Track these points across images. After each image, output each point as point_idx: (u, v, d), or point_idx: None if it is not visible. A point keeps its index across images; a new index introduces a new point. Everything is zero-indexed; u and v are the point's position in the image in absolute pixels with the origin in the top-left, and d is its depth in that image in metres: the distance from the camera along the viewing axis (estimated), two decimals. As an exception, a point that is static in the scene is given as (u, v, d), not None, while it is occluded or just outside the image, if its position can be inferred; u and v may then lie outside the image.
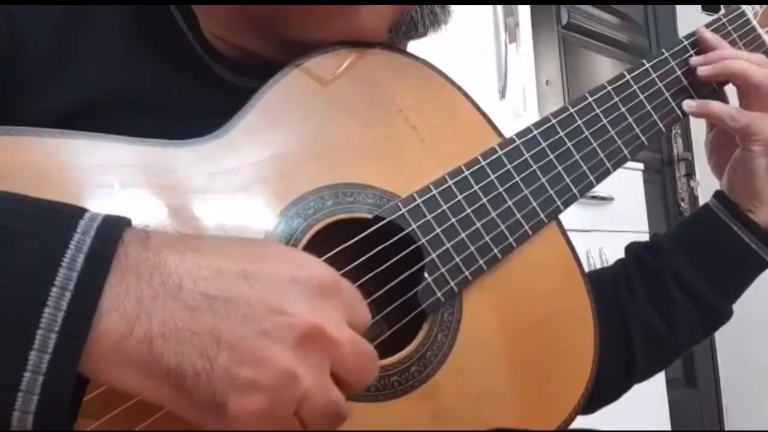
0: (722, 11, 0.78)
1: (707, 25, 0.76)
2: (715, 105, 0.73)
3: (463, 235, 0.58)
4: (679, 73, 0.73)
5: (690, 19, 2.24)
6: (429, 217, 0.57)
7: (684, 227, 0.80)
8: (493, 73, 1.83)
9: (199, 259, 0.40)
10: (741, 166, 0.74)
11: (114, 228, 0.39)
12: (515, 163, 0.62)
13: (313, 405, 0.41)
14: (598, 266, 1.83)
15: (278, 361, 0.39)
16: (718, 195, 0.77)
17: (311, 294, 0.41)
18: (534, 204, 0.62)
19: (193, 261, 0.40)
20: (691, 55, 0.74)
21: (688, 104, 0.73)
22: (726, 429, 2.41)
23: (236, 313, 0.39)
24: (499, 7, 1.88)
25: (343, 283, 0.44)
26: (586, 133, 0.66)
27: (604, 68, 2.42)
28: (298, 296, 0.41)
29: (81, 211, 0.39)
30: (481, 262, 0.59)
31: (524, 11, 1.96)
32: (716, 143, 0.79)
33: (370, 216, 0.56)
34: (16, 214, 0.38)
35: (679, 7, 2.59)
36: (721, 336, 2.32)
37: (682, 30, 2.44)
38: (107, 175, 0.48)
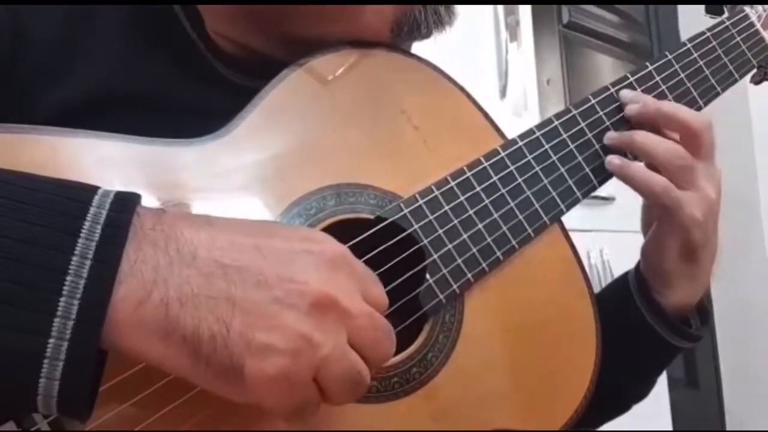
0: (725, 14, 0.78)
1: (710, 29, 0.75)
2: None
3: (465, 236, 0.58)
4: (682, 76, 0.72)
5: (692, 19, 2.24)
6: (431, 218, 0.57)
7: (603, 294, 0.74)
8: (494, 72, 1.83)
9: (213, 232, 0.42)
10: (654, 242, 0.69)
11: (127, 201, 0.40)
12: (517, 164, 0.62)
13: (332, 371, 0.41)
14: (599, 266, 1.84)
15: (294, 326, 0.40)
16: (636, 268, 0.72)
17: (324, 265, 0.42)
18: (536, 206, 0.62)
19: (208, 233, 0.41)
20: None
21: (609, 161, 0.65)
22: (727, 430, 2.41)
23: (249, 280, 0.40)
24: (500, 6, 1.87)
25: (357, 261, 0.45)
26: (589, 135, 0.66)
27: (605, 67, 2.42)
28: (310, 266, 0.42)
29: (94, 187, 0.41)
30: (483, 264, 0.58)
31: (525, 10, 1.96)
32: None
33: (372, 216, 0.56)
34: (31, 189, 0.39)
35: (680, 7, 2.58)
36: (722, 336, 2.32)
37: (683, 29, 2.44)
38: (109, 174, 0.48)
